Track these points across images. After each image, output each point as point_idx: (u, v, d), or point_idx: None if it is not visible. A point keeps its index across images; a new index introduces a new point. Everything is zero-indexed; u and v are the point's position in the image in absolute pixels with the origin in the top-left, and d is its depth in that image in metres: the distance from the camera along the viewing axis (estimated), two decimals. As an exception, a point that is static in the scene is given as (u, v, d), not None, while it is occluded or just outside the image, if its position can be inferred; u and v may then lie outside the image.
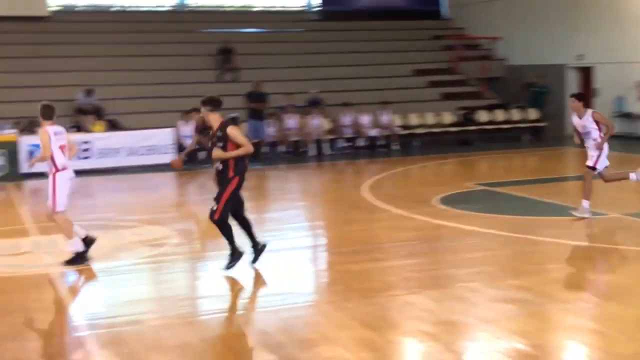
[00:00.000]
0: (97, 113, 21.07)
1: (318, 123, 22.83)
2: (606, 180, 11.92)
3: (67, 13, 27.09)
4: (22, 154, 18.64)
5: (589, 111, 11.45)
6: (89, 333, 6.94)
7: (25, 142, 18.70)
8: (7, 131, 19.26)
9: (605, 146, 11.47)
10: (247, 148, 8.70)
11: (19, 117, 20.50)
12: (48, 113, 9.31)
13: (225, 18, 29.02)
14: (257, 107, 20.94)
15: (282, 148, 22.61)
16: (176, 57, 25.00)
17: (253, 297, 8.05)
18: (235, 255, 8.88)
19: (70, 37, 25.07)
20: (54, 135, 9.18)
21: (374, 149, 22.75)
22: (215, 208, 8.70)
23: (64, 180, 9.34)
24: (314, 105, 23.36)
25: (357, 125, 23.03)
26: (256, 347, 6.37)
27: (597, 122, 11.36)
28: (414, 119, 24.15)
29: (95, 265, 9.48)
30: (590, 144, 11.46)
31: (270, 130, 22.28)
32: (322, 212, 13.97)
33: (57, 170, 9.26)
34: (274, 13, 30.46)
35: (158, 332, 6.86)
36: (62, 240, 10.90)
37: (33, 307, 7.83)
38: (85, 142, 19.44)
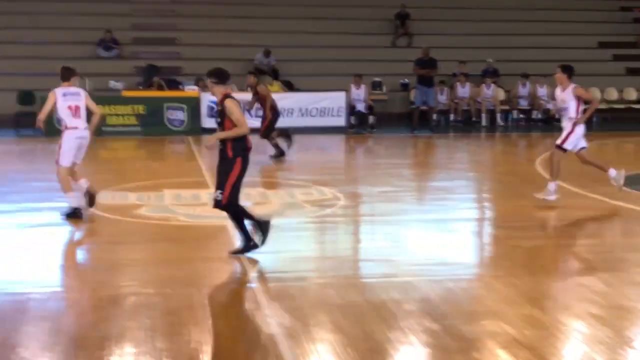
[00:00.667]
0: (274, 74, 21.63)
1: (492, 93, 22.30)
2: (583, 162, 11.04)
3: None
4: (203, 110, 19.54)
5: (572, 85, 10.64)
6: (258, 285, 7.22)
7: (206, 98, 19.55)
8: (189, 87, 20.23)
9: (581, 126, 10.68)
10: (241, 129, 7.71)
11: (201, 74, 21.46)
12: (62, 74, 9.87)
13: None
14: (426, 74, 20.78)
15: (452, 117, 22.30)
16: (352, 20, 25.15)
17: (418, 265, 8.04)
18: (264, 227, 8.02)
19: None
20: (62, 96, 9.62)
21: (550, 123, 21.93)
22: (219, 197, 7.79)
23: (71, 139, 9.67)
24: (488, 74, 22.82)
25: (533, 97, 22.28)
26: (419, 314, 6.37)
27: (577, 98, 10.61)
28: (595, 94, 23.02)
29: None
30: (565, 121, 10.76)
31: (441, 98, 22.01)
32: (492, 184, 13.69)
33: (66, 128, 9.70)
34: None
35: (323, 290, 7.01)
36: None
37: (209, 256, 8.23)
38: (261, 101, 19.98)
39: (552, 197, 10.71)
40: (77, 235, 9.46)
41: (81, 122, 9.80)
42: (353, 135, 20.13)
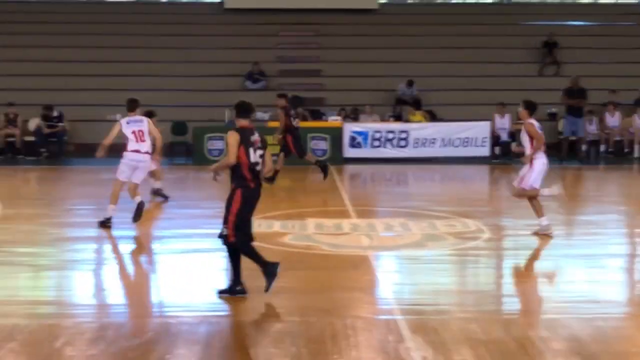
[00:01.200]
0: (416, 103, 21.63)
1: (644, 123, 21.31)
2: (515, 195, 10.97)
3: (394, 5, 28.07)
4: (346, 140, 19.78)
5: (528, 121, 10.54)
6: (399, 317, 7.19)
7: (349, 128, 19.81)
8: (332, 118, 20.55)
9: (540, 164, 10.52)
10: (227, 160, 7.54)
11: (343, 104, 21.82)
12: (128, 105, 11.10)
13: (550, 10, 28.15)
14: (575, 104, 20.07)
15: (603, 147, 21.45)
16: (496, 49, 24.80)
17: (566, 302, 7.76)
18: (270, 272, 7.68)
19: (395, 29, 25.94)
20: (126, 124, 10.81)
21: None
22: (224, 232, 7.56)
23: (127, 159, 10.91)
24: (640, 103, 21.86)
25: (691, 127, 21.12)
26: (568, 353, 6.15)
27: (529, 135, 10.49)
28: None
29: (405, 252, 9.82)
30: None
31: (590, 128, 21.24)
32: (645, 219, 13.04)
33: (125, 150, 10.89)
34: (602, 6, 28.96)
35: (465, 325, 6.89)
36: (379, 224, 11.43)
37: (351, 285, 8.29)
38: (403, 132, 20.07)
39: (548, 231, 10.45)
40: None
41: (143, 147, 10.92)
42: (497, 165, 19.77)
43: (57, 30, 25.17)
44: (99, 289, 8.56)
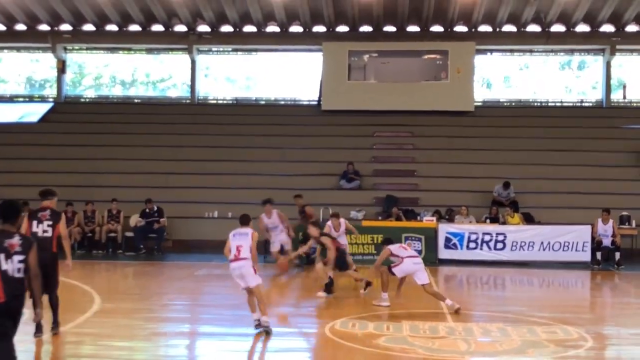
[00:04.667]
0: (514, 206, 21.25)
1: None
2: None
3: (490, 107, 28.07)
4: (440, 240, 19.52)
5: None
6: None
7: (444, 229, 19.57)
8: (426, 218, 20.39)
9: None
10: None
11: (438, 205, 21.66)
12: (241, 220, 11.25)
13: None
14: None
15: None
16: (595, 152, 24.38)
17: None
18: None
19: (491, 130, 25.89)
20: (232, 237, 11.01)
21: None
22: None
23: (231, 270, 10.94)
24: None
25: None
26: None
27: None
28: None
29: (505, 359, 9.44)
30: None
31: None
32: None
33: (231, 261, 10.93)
34: None
35: None
36: (476, 329, 11.08)
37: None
38: (500, 234, 19.68)
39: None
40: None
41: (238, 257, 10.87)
42: (598, 271, 19.05)
43: (159, 130, 26.25)
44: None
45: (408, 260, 12.97)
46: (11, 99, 30.17)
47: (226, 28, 28.12)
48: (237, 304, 13.19)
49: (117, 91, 30.66)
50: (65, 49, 29.55)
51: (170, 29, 28.25)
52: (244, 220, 11.36)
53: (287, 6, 26.29)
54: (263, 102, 29.61)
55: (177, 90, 30.48)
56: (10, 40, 29.22)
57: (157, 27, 28.28)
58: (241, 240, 11.03)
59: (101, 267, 18.77)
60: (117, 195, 21.81)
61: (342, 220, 16.44)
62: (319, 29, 27.83)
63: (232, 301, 13.56)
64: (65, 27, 28.43)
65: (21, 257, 6.88)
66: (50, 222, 10.33)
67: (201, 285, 16.07)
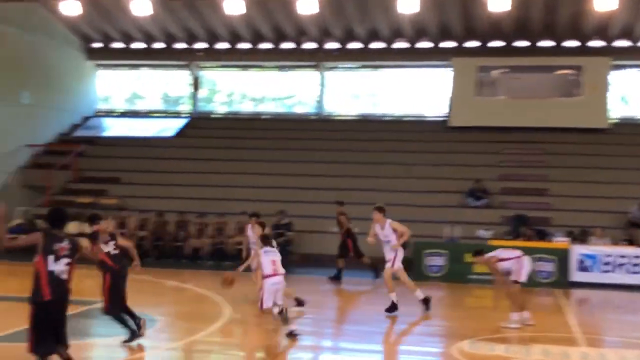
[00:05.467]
0: (650, 227, 20.26)
1: None
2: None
3: (627, 125, 26.89)
4: (573, 262, 18.83)
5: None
6: None
7: (577, 250, 18.87)
8: (559, 239, 19.72)
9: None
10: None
11: (571, 225, 20.89)
12: (262, 240, 11.85)
13: None
14: None
15: None
16: None
17: None
18: None
19: (628, 149, 24.80)
20: (264, 253, 11.49)
21: None
22: None
23: (269, 285, 11.22)
24: None
25: None
26: None
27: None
28: None
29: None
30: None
31: None
32: None
33: (264, 277, 11.33)
34: None
35: None
36: (612, 355, 10.60)
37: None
38: (637, 257, 18.81)
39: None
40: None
41: (277, 271, 11.34)
42: None
43: (287, 146, 26.67)
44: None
45: (524, 258, 12.55)
46: (148, 114, 31.53)
47: (354, 45, 28.34)
48: (364, 319, 13.21)
49: (247, 107, 31.46)
50: (199, 66, 30.65)
51: (299, 46, 28.75)
52: (268, 241, 11.86)
53: (416, 22, 26.21)
54: (388, 118, 29.59)
55: (304, 106, 30.92)
56: (149, 58, 30.57)
57: (287, 45, 28.85)
58: (275, 255, 11.51)
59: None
60: (247, 208, 22.27)
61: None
62: (448, 44, 27.57)
63: (359, 317, 13.60)
64: (200, 45, 29.48)
65: (68, 260, 7.58)
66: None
67: (325, 299, 16.16)
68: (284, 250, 21.02)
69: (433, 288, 17.50)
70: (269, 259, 11.42)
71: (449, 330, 12.63)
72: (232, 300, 14.45)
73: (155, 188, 24.67)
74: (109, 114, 31.65)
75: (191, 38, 29.19)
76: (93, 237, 10.44)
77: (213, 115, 31.23)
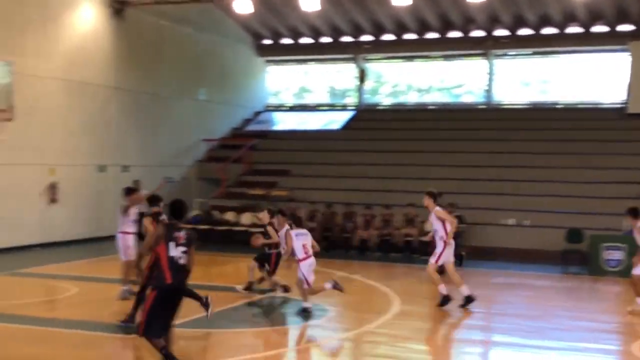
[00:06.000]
0: None
1: None
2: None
3: None
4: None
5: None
6: None
7: None
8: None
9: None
10: None
11: None
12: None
13: None
14: None
15: None
16: None
17: None
18: None
19: None
20: (295, 236, 12.31)
21: None
22: None
23: (305, 267, 12.19)
24: None
25: None
26: None
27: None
28: None
29: None
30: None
31: None
32: None
33: (299, 261, 12.23)
34: None
35: None
36: None
37: None
38: None
39: None
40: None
41: (308, 254, 12.29)
42: None
43: (454, 137, 26.30)
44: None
45: None
46: (316, 108, 32.16)
47: (524, 31, 27.49)
48: (536, 315, 12.82)
49: (413, 98, 31.33)
50: (365, 59, 30.87)
51: (467, 35, 28.25)
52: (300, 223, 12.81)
53: (590, 5, 25.02)
54: (560, 106, 28.46)
55: (472, 95, 30.39)
56: (316, 52, 31.16)
57: (454, 34, 28.43)
58: (306, 239, 12.31)
59: (399, 270, 19.19)
60: (413, 200, 22.17)
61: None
62: (625, 27, 26.12)
63: (532, 312, 13.21)
64: (366, 37, 29.68)
65: (184, 249, 8.27)
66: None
67: (497, 293, 15.81)
68: (456, 244, 20.76)
69: (609, 283, 16.72)
70: (300, 243, 12.21)
71: (628, 328, 12.00)
72: (400, 292, 14.47)
73: (323, 180, 25.09)
74: (279, 108, 32.64)
75: (357, 31, 29.44)
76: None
77: (379, 107, 31.38)
